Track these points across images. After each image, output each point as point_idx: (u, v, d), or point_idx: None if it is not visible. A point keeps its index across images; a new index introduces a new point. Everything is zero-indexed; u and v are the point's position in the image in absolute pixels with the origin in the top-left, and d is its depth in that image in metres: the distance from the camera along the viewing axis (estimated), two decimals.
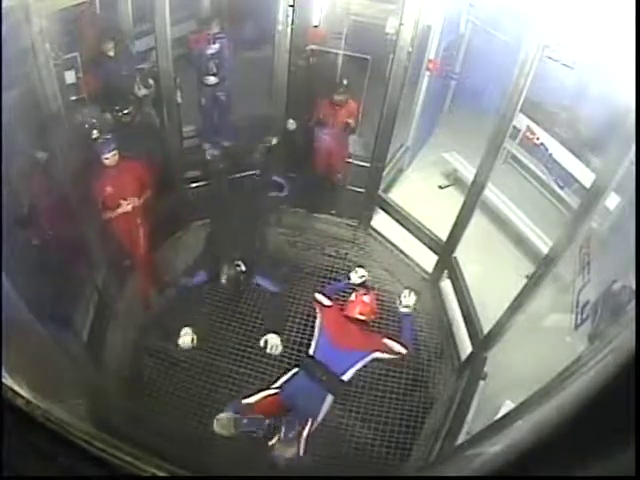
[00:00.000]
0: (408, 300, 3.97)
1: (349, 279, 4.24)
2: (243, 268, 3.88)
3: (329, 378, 3.40)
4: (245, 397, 3.25)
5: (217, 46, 5.51)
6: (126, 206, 4.26)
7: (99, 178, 4.17)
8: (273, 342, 3.78)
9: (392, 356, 3.66)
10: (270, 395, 3.24)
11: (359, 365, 3.52)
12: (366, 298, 3.82)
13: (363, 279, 4.23)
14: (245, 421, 2.96)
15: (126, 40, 5.11)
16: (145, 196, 4.42)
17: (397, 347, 3.64)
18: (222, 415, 3.01)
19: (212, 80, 5.67)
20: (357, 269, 4.29)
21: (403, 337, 3.75)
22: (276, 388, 3.31)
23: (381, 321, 4.29)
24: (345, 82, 5.14)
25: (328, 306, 3.81)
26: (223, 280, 3.83)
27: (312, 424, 3.22)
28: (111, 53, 4.95)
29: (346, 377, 3.46)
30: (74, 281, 4.05)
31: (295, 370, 3.44)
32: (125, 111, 4.60)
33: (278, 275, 4.41)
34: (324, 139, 5.36)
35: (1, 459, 0.82)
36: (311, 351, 3.54)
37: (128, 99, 4.76)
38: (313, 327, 3.81)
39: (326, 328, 3.63)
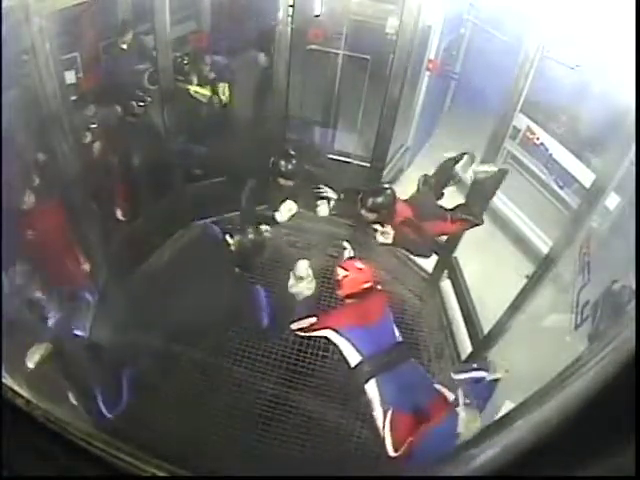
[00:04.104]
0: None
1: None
2: None
3: (395, 353, 2.96)
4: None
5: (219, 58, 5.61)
6: None
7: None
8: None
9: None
10: (393, 421, 2.68)
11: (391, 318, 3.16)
12: (358, 264, 3.28)
13: (310, 291, 3.52)
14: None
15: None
16: None
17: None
18: None
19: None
20: (298, 262, 3.54)
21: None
22: (384, 413, 2.74)
23: None
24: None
25: (315, 316, 3.18)
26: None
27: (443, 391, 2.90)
28: (124, 46, 4.97)
29: (399, 337, 3.10)
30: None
31: (372, 383, 2.85)
32: (140, 104, 4.61)
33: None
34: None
35: (1, 459, 0.82)
36: (354, 363, 2.92)
37: (144, 90, 4.78)
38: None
39: (350, 330, 2.99)
